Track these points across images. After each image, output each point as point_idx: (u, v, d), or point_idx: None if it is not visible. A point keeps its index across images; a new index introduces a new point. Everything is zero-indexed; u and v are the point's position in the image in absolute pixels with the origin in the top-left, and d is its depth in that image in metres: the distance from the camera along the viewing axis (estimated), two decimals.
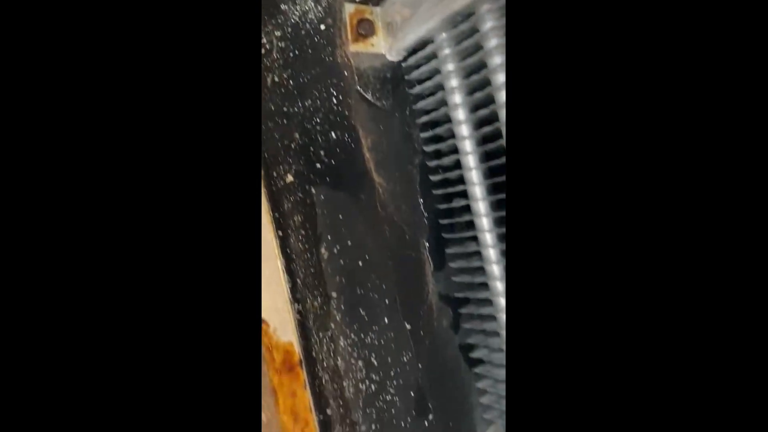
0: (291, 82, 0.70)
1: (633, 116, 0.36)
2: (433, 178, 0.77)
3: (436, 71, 0.72)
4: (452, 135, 0.71)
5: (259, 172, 0.64)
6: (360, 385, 0.71)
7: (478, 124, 0.69)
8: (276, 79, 0.69)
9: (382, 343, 0.73)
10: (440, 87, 0.71)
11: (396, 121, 0.78)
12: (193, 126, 0.38)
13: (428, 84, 0.73)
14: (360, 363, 0.71)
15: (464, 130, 0.69)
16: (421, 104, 0.76)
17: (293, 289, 0.65)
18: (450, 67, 0.69)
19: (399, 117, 0.78)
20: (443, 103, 0.72)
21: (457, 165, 0.71)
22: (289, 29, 0.70)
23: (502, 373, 0.73)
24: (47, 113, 0.36)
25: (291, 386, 0.59)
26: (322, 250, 0.69)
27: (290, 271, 0.65)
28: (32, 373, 0.35)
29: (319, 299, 0.69)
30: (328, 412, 0.68)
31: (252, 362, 0.39)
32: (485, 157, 0.69)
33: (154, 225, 0.37)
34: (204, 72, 0.38)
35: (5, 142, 0.36)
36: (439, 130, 0.74)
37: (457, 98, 0.69)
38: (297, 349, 0.61)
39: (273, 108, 0.68)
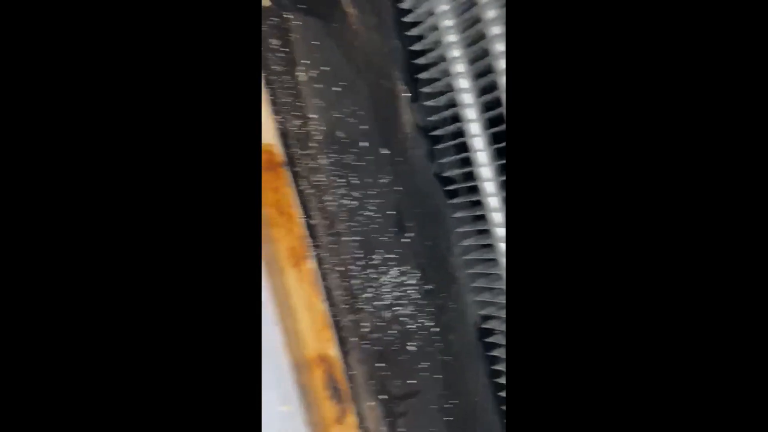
0: None
1: None
2: (402, 5, 0.80)
3: None
4: None
5: None
6: (342, 200, 0.77)
7: None
8: None
9: (361, 164, 0.79)
10: None
11: None
12: None
13: None
14: (341, 181, 0.77)
15: None
16: None
17: (273, 102, 0.70)
18: None
19: None
20: None
21: None
22: None
23: (473, 185, 0.79)
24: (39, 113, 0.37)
25: (274, 183, 0.66)
26: (299, 74, 0.74)
27: (270, 87, 0.70)
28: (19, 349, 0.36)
29: (298, 120, 0.74)
30: (312, 221, 0.75)
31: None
32: None
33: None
34: None
35: (5, 142, 0.36)
36: None
37: None
38: (279, 152, 0.67)
39: None
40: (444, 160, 0.84)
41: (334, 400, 0.69)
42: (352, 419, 0.71)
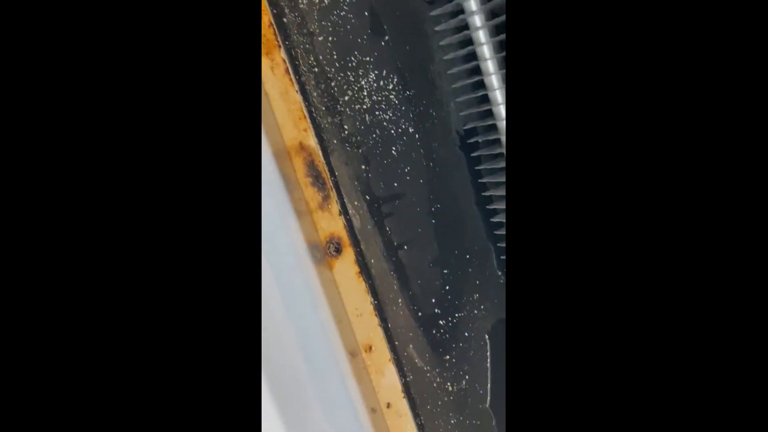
0: None
1: None
2: None
3: None
4: None
5: None
6: None
7: None
8: None
9: None
10: None
11: None
12: None
13: None
14: None
15: None
16: None
17: None
18: None
19: None
20: None
21: None
22: None
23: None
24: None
25: None
26: None
27: None
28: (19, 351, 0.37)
29: None
30: (284, 19, 0.77)
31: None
32: None
33: None
34: None
35: (5, 142, 0.36)
36: None
37: None
38: None
39: None
40: None
41: (315, 187, 0.76)
42: (335, 207, 0.78)
